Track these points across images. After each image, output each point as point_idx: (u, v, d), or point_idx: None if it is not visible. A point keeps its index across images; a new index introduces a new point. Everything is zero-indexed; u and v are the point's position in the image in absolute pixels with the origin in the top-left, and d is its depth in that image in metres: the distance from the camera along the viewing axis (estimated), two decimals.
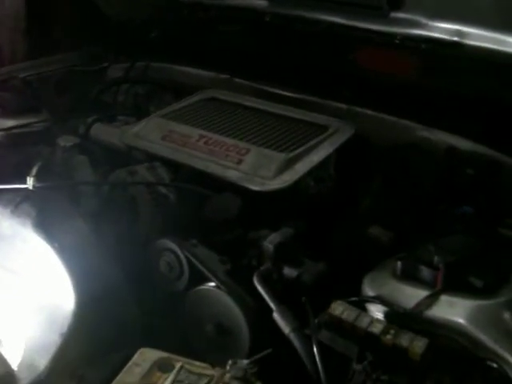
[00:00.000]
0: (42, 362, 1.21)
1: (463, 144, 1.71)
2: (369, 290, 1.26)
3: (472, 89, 1.70)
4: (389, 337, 1.11)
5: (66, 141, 1.80)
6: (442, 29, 1.68)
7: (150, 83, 2.25)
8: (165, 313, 1.41)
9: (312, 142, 1.65)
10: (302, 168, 1.55)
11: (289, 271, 1.34)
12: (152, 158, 1.68)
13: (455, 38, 1.67)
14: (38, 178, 1.46)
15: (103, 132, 1.92)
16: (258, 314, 1.28)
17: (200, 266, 1.35)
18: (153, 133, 1.73)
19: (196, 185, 1.57)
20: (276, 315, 1.22)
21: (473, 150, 1.69)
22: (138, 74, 2.31)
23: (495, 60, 1.63)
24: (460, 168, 1.67)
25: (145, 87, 2.24)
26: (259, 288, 1.27)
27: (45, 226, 1.37)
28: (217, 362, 1.14)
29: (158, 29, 2.34)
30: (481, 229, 1.46)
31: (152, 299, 1.42)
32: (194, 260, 1.36)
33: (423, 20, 1.70)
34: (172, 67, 2.30)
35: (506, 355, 1.10)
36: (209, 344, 1.35)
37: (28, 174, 1.47)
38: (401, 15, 1.73)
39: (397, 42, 1.76)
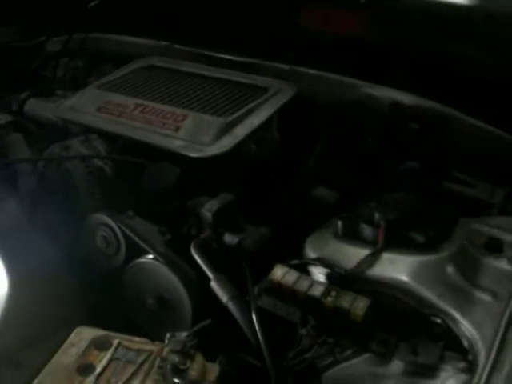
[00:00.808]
0: None
1: (407, 99, 1.68)
2: (310, 252, 1.23)
3: (413, 42, 1.68)
4: (330, 299, 1.08)
5: None
6: None
7: (89, 55, 2.18)
8: (105, 289, 1.36)
9: (252, 105, 1.60)
10: (241, 131, 1.51)
11: (229, 238, 1.29)
12: (88, 130, 1.61)
13: None
14: None
15: (38, 107, 1.86)
16: (199, 285, 1.24)
17: (136, 239, 1.29)
18: (88, 104, 1.66)
19: (134, 156, 1.51)
20: (214, 284, 1.18)
21: (417, 104, 1.66)
22: (77, 46, 2.22)
23: (435, 11, 1.60)
24: (404, 123, 1.63)
25: (84, 60, 2.17)
26: (196, 257, 1.23)
27: None
28: (161, 336, 1.10)
29: None
30: (426, 183, 1.44)
31: (91, 276, 1.37)
32: (129, 233, 1.30)
33: None
34: (111, 37, 2.23)
35: (450, 310, 1.07)
36: (151, 318, 1.31)
37: None
38: None
39: None
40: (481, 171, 1.52)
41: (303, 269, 1.19)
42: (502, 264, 1.14)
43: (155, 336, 1.12)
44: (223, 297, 1.16)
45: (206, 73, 1.81)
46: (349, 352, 1.12)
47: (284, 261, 1.22)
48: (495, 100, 1.54)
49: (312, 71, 1.83)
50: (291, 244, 1.33)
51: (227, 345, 1.17)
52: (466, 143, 1.59)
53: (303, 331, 1.12)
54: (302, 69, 1.84)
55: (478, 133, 1.59)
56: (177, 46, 2.08)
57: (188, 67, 1.85)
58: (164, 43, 2.10)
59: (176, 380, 0.97)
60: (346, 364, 1.11)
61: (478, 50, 1.59)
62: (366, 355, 1.10)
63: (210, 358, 1.07)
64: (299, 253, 1.28)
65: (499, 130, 1.57)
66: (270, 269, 1.19)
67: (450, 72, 1.61)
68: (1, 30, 2.34)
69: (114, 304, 1.35)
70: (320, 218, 1.38)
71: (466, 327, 1.05)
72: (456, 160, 1.57)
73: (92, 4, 2.17)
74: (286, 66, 1.86)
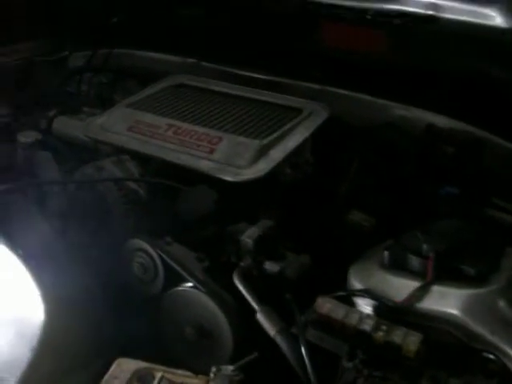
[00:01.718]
0: (13, 379, 1.13)
1: (441, 121, 1.66)
2: (356, 283, 1.20)
3: (449, 64, 1.65)
4: (380, 333, 1.04)
5: (26, 136, 1.71)
6: (416, 2, 1.63)
7: (114, 71, 2.16)
8: (142, 317, 1.33)
9: (286, 127, 1.57)
10: (277, 155, 1.48)
11: (270, 266, 1.27)
12: (119, 150, 1.59)
13: (430, 12, 1.61)
14: None
15: (67, 125, 1.84)
16: (240, 315, 1.21)
17: (175, 266, 1.27)
18: (118, 124, 1.64)
19: (168, 178, 1.49)
20: (260, 316, 1.16)
21: (452, 126, 1.64)
22: (101, 61, 2.20)
23: (471, 33, 1.58)
24: (440, 146, 1.60)
25: (108, 75, 2.15)
26: (240, 287, 1.21)
27: (7, 232, 1.27)
28: (199, 367, 1.08)
29: (120, 13, 2.24)
30: (467, 210, 1.42)
31: (128, 303, 1.34)
32: (168, 259, 1.28)
33: None
34: (136, 53, 2.22)
35: (504, 346, 1.04)
36: (189, 348, 1.28)
37: None
38: None
39: (369, 17, 1.69)
40: None
41: (347, 300, 1.16)
42: None
43: (193, 367, 1.09)
44: (270, 330, 1.13)
45: (237, 92, 1.79)
46: None
47: (323, 289, 1.20)
48: None
49: (342, 91, 1.82)
50: (329, 271, 1.30)
51: (273, 380, 1.14)
52: (502, 168, 1.56)
53: (349, 364, 1.08)
54: (332, 89, 1.82)
55: None
56: (204, 63, 2.06)
57: (218, 86, 1.83)
58: (191, 60, 2.09)
59: None
60: None
61: None
62: None
63: None
64: (337, 280, 1.25)
65: None
66: (309, 297, 1.17)
67: (486, 95, 1.58)
68: (25, 45, 2.32)
69: (151, 332, 1.32)
70: (356, 244, 1.37)
71: None
72: (493, 185, 1.54)
73: (116, 19, 2.17)
74: (316, 86, 1.84)
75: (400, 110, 1.73)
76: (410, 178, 1.58)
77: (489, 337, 1.05)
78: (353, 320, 1.07)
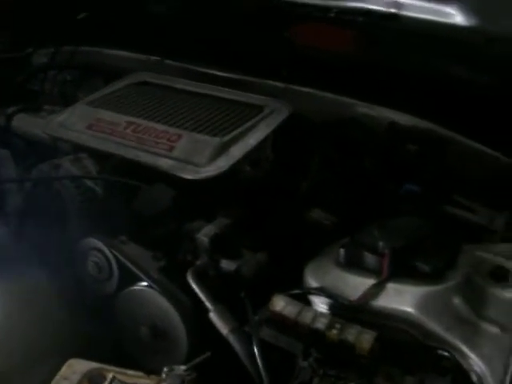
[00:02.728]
0: None
1: (405, 119, 1.65)
2: (311, 281, 1.18)
3: (412, 62, 1.64)
4: (334, 332, 1.03)
5: None
6: (379, 0, 1.61)
7: (78, 68, 2.14)
8: (97, 316, 1.31)
9: (247, 124, 1.55)
10: (237, 152, 1.46)
11: (226, 264, 1.25)
12: (78, 148, 1.57)
13: (392, 10, 1.59)
14: None
15: (26, 123, 1.82)
16: (196, 314, 1.20)
17: (129, 265, 1.25)
18: (78, 122, 1.61)
19: (127, 176, 1.47)
20: (212, 315, 1.14)
21: (415, 124, 1.63)
22: (65, 59, 2.17)
23: (434, 32, 1.57)
24: (402, 144, 1.60)
25: (73, 73, 2.13)
26: (193, 286, 1.19)
27: None
28: (154, 367, 1.07)
29: (85, 11, 2.21)
30: (427, 208, 1.41)
31: (83, 303, 1.32)
32: (122, 259, 1.26)
33: None
34: (101, 51, 2.18)
35: (458, 343, 1.04)
36: (145, 348, 1.26)
37: None
38: None
39: (332, 15, 1.68)
40: (480, 195, 1.49)
41: (303, 298, 1.15)
42: (509, 294, 1.10)
43: (149, 366, 1.08)
44: (223, 329, 1.12)
45: (200, 90, 1.77)
46: None
47: (281, 287, 1.18)
48: (494, 122, 1.51)
49: (307, 89, 1.80)
50: (287, 269, 1.29)
51: (226, 379, 1.12)
52: (464, 166, 1.56)
53: (304, 363, 1.07)
54: (296, 87, 1.81)
55: (476, 156, 1.57)
56: (168, 61, 2.03)
57: (181, 84, 1.81)
58: (155, 58, 2.06)
59: None
60: None
61: (477, 72, 1.57)
62: None
63: None
64: (296, 278, 1.23)
65: (498, 153, 1.54)
66: (267, 295, 1.15)
67: (449, 93, 1.58)
68: None
69: (106, 331, 1.29)
70: (316, 242, 1.35)
71: (474, 361, 1.02)
72: (455, 183, 1.53)
73: (81, 16, 2.14)
74: (280, 84, 1.83)
75: (363, 108, 1.71)
76: (372, 176, 1.57)
77: (443, 334, 1.05)
78: (306, 318, 1.06)
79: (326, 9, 1.68)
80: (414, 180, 1.53)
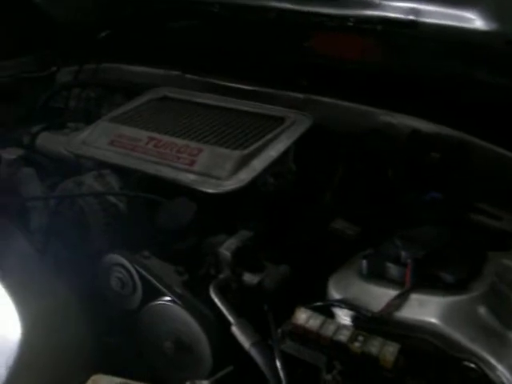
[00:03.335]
0: None
1: (427, 127, 1.65)
2: (334, 293, 1.18)
3: (432, 69, 1.64)
4: (357, 344, 1.02)
5: (9, 153, 1.70)
6: (397, 8, 1.60)
7: (101, 85, 2.15)
8: (121, 332, 1.31)
9: (268, 136, 1.56)
10: (258, 165, 1.47)
11: (249, 278, 1.25)
12: (101, 165, 1.58)
13: (411, 17, 1.59)
14: None
15: (50, 141, 1.83)
16: (219, 328, 1.19)
17: (153, 280, 1.25)
18: (100, 138, 1.63)
19: (149, 191, 1.47)
20: (235, 329, 1.13)
21: (437, 132, 1.63)
22: (89, 76, 2.20)
23: (453, 37, 1.56)
24: (425, 152, 1.59)
25: (96, 90, 2.13)
26: (216, 300, 1.18)
27: None
28: (178, 381, 1.06)
29: (106, 29, 2.24)
30: (450, 216, 1.39)
31: (107, 318, 1.33)
32: (146, 274, 1.26)
33: (376, 0, 1.62)
34: (122, 67, 2.21)
35: (484, 354, 1.02)
36: (168, 362, 1.26)
37: None
38: None
39: (350, 24, 1.68)
40: (505, 202, 1.47)
41: (326, 310, 1.14)
42: None
43: (173, 380, 1.08)
44: (245, 342, 1.11)
45: (220, 103, 1.78)
46: None
47: (305, 299, 1.17)
48: None
49: (327, 99, 1.80)
50: (312, 281, 1.28)
51: None
52: (488, 172, 1.55)
53: (328, 376, 1.06)
54: (317, 97, 1.81)
55: (500, 161, 1.56)
56: (188, 75, 2.05)
57: (201, 98, 1.82)
58: (175, 73, 2.09)
59: None
60: None
61: (498, 76, 1.56)
62: None
63: None
64: (321, 290, 1.23)
65: None
66: (290, 307, 1.14)
67: (471, 98, 1.57)
68: (12, 62, 2.32)
69: (130, 346, 1.30)
70: (340, 253, 1.34)
71: (502, 372, 1.00)
72: (479, 190, 1.52)
73: (103, 34, 2.17)
74: (300, 95, 1.84)
75: (385, 117, 1.71)
76: (395, 185, 1.56)
77: (468, 345, 1.03)
78: (328, 331, 1.05)
79: (344, 18, 1.68)
80: (437, 188, 1.51)
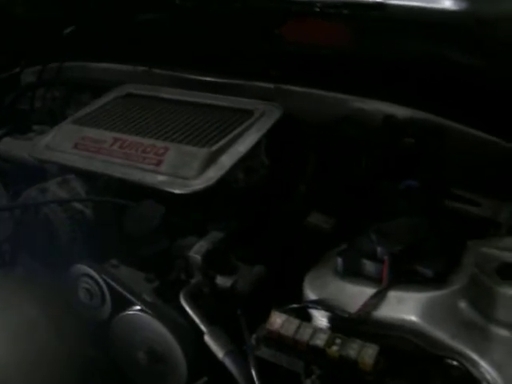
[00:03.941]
0: None
1: (401, 112, 1.60)
2: (310, 293, 1.14)
3: (403, 51, 1.59)
4: (335, 348, 0.98)
5: None
6: None
7: (67, 84, 2.11)
8: (94, 343, 1.27)
9: (237, 131, 1.52)
10: (227, 161, 1.42)
11: (222, 281, 1.21)
12: (66, 170, 1.53)
13: None
14: None
15: (13, 146, 1.78)
16: (192, 336, 1.15)
17: (121, 290, 1.20)
18: (64, 142, 1.58)
19: (116, 195, 1.43)
20: (207, 338, 1.09)
21: (411, 116, 1.59)
22: (53, 76, 2.14)
23: (423, 18, 1.52)
24: (399, 138, 1.55)
25: (62, 89, 2.10)
26: (187, 308, 1.14)
27: None
28: None
29: (70, 26, 2.19)
30: (427, 204, 1.36)
31: (78, 330, 1.28)
32: (114, 284, 1.21)
33: None
34: (87, 64, 2.16)
35: (466, 350, 0.99)
36: (144, 373, 1.22)
37: None
38: None
39: (317, 10, 1.64)
40: (483, 186, 1.45)
41: (303, 311, 1.10)
42: None
43: None
44: (219, 352, 1.07)
45: (187, 98, 1.74)
46: None
47: (281, 299, 1.14)
48: (491, 107, 1.46)
49: (298, 89, 1.76)
50: (288, 279, 1.24)
51: None
52: (464, 156, 1.51)
53: (307, 382, 1.02)
54: (287, 87, 1.77)
55: (476, 143, 1.52)
56: (155, 70, 2.00)
57: (167, 93, 1.78)
58: (142, 68, 2.03)
59: None
60: None
61: (470, 56, 1.53)
62: None
63: None
64: (297, 289, 1.19)
65: (499, 139, 1.48)
66: (266, 309, 1.11)
67: (443, 80, 1.53)
68: None
69: (105, 357, 1.26)
70: (317, 247, 1.30)
71: (485, 369, 0.96)
72: (456, 175, 1.49)
73: (67, 31, 2.12)
74: (270, 85, 1.79)
75: (357, 103, 1.67)
76: (369, 174, 1.52)
77: (450, 342, 1.00)
78: (305, 335, 1.01)
79: (310, 4, 1.64)
80: (413, 175, 1.47)
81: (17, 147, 1.76)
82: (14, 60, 2.31)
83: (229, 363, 1.05)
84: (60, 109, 2.05)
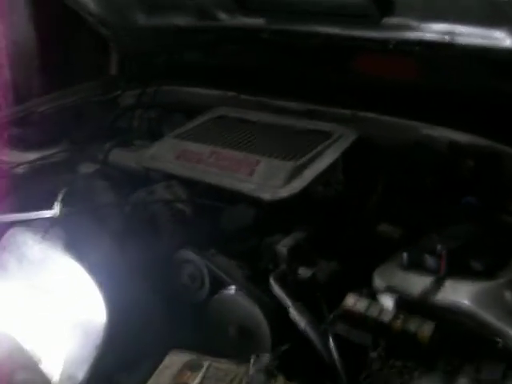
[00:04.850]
0: (81, 374, 1.30)
1: (463, 138, 1.78)
2: (379, 282, 1.34)
3: (467, 85, 1.77)
4: (398, 323, 1.18)
5: (86, 168, 1.90)
6: (433, 30, 1.76)
7: (162, 107, 2.34)
8: (190, 320, 1.49)
9: (318, 149, 1.73)
10: (309, 175, 1.63)
11: (303, 271, 1.41)
12: (168, 177, 1.77)
13: (446, 38, 1.73)
14: (63, 204, 1.56)
15: (121, 156, 2.03)
16: (277, 314, 1.35)
17: (220, 273, 1.43)
18: (167, 153, 1.82)
19: (211, 199, 1.65)
20: (292, 311, 1.30)
21: (473, 142, 1.76)
22: (150, 99, 2.40)
23: (486, 55, 1.70)
24: (461, 160, 1.72)
25: (157, 111, 2.32)
26: (275, 288, 1.36)
27: (74, 247, 1.46)
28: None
29: (164, 55, 2.44)
30: (484, 217, 1.53)
31: (177, 308, 1.50)
32: (214, 268, 1.44)
33: (414, 23, 1.78)
34: (181, 89, 2.40)
35: (510, 331, 1.16)
36: (233, 347, 1.41)
37: (54, 201, 1.56)
38: (392, 20, 1.80)
39: (391, 47, 1.83)
40: None
41: (373, 298, 1.30)
42: None
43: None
44: (301, 322, 1.28)
45: (273, 121, 1.95)
46: (416, 373, 1.21)
47: (354, 292, 1.34)
48: None
49: (372, 115, 1.95)
50: (359, 277, 1.43)
51: (305, 368, 1.28)
52: None
53: (374, 354, 1.22)
54: (362, 113, 1.96)
55: None
56: (243, 96, 2.22)
57: (256, 116, 2.00)
58: (230, 93, 2.26)
59: None
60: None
61: None
62: (433, 375, 1.19)
63: (289, 380, 1.18)
64: (368, 285, 1.38)
65: None
66: (340, 300, 1.31)
67: (503, 111, 1.69)
68: (84, 86, 2.53)
69: (196, 334, 1.46)
70: (385, 253, 1.48)
71: None
72: (511, 195, 1.64)
73: (161, 58, 2.36)
74: (347, 112, 1.98)
75: (425, 130, 1.85)
76: (435, 191, 1.70)
77: (496, 323, 1.18)
78: (374, 312, 1.21)
79: (385, 41, 1.83)
80: (472, 193, 1.64)
81: (124, 157, 2.01)
82: (116, 84, 2.56)
83: (310, 331, 1.26)
84: (156, 127, 2.27)
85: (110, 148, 2.05)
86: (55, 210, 1.54)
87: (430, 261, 1.30)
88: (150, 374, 1.25)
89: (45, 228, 1.51)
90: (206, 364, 1.20)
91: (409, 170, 1.77)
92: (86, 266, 1.40)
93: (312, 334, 1.26)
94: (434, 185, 1.71)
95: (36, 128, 2.25)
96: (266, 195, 1.58)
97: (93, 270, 1.41)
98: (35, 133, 2.22)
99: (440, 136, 1.82)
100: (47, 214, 1.55)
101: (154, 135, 2.15)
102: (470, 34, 1.70)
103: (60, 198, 1.56)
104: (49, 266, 1.46)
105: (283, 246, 1.43)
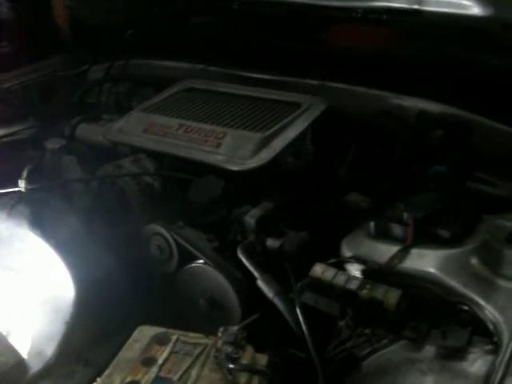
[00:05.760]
0: (50, 350, 1.30)
1: (433, 107, 1.78)
2: (346, 251, 1.34)
3: (436, 53, 1.76)
4: (365, 291, 1.19)
5: (53, 143, 1.88)
6: None
7: (130, 80, 2.32)
8: (160, 293, 1.49)
9: (286, 120, 1.72)
10: (278, 145, 1.63)
11: (271, 242, 1.42)
12: (136, 150, 1.76)
13: (415, 6, 1.73)
14: (29, 180, 1.54)
15: (88, 131, 2.02)
16: (246, 285, 1.36)
17: (187, 246, 1.42)
18: (135, 127, 1.81)
19: (180, 172, 1.64)
20: (260, 282, 1.31)
21: (442, 111, 1.76)
22: (118, 72, 2.38)
23: (454, 23, 1.69)
24: (431, 130, 1.72)
25: (125, 85, 2.30)
26: (243, 259, 1.36)
27: (40, 225, 1.45)
28: (211, 334, 1.22)
29: (132, 27, 2.40)
30: (452, 185, 1.54)
31: (147, 281, 1.50)
32: (181, 241, 1.43)
33: None
34: (149, 62, 2.37)
35: (476, 297, 1.17)
36: (202, 318, 1.43)
37: (19, 178, 1.55)
38: None
39: (359, 15, 1.82)
40: (502, 171, 1.61)
41: (340, 267, 1.31)
42: None
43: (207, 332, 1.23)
44: (269, 293, 1.28)
45: (241, 92, 1.94)
46: (385, 341, 1.22)
47: (321, 260, 1.33)
48: None
49: (341, 85, 1.94)
50: (328, 246, 1.44)
51: (273, 338, 1.28)
52: (488, 146, 1.67)
53: (342, 323, 1.23)
54: (330, 83, 1.95)
55: (499, 135, 1.68)
56: (211, 68, 2.21)
57: (224, 88, 1.99)
58: (199, 66, 2.23)
59: (230, 366, 1.08)
60: (382, 351, 1.22)
61: (496, 57, 1.68)
62: (401, 342, 1.20)
63: (258, 350, 1.18)
64: (336, 254, 1.39)
65: None
66: (307, 269, 1.31)
67: (472, 79, 1.69)
68: (47, 62, 2.49)
69: (167, 307, 1.47)
70: (354, 223, 1.48)
71: (490, 312, 1.15)
72: (480, 163, 1.65)
73: (129, 32, 2.33)
74: (316, 82, 1.97)
75: (394, 99, 1.84)
76: (402, 161, 1.70)
77: (462, 290, 1.19)
78: (340, 281, 1.22)
79: (352, 10, 1.82)
80: (441, 162, 1.65)
81: (91, 132, 2.00)
82: (83, 59, 2.52)
83: (278, 302, 1.27)
84: (125, 101, 2.25)
85: (77, 123, 2.04)
86: (21, 186, 1.52)
87: (396, 229, 1.30)
88: (119, 349, 1.24)
89: (10, 205, 1.49)
90: (173, 338, 1.19)
91: (378, 139, 1.77)
92: (52, 243, 1.39)
93: (280, 305, 1.26)
94: (404, 154, 1.71)
95: (2, 104, 2.21)
96: (234, 166, 1.57)
97: (60, 247, 1.40)
98: (1, 109, 2.18)
99: (409, 105, 1.82)
100: (13, 190, 1.53)
101: (123, 109, 2.12)
102: (438, 2, 1.69)
103: (25, 174, 1.53)
104: (15, 244, 1.44)
105: (251, 217, 1.43)
